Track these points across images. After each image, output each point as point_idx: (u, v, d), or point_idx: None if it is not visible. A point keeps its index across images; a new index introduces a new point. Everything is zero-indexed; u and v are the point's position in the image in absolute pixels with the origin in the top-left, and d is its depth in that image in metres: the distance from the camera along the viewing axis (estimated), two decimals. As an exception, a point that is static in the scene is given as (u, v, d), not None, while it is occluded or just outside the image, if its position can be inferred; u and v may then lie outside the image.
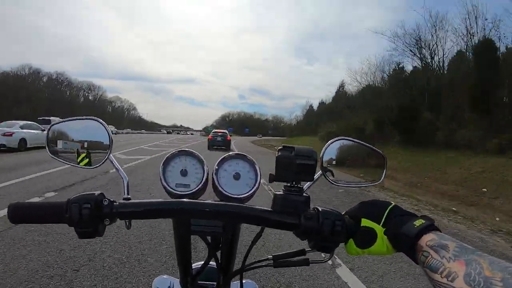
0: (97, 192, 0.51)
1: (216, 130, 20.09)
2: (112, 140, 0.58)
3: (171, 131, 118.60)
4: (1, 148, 10.63)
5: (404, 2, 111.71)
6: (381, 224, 0.48)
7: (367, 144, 0.59)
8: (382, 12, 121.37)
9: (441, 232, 0.43)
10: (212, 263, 0.64)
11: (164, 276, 0.70)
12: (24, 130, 11.68)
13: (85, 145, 0.59)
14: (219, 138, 18.33)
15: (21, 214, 0.50)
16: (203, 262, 0.66)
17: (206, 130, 72.98)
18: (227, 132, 19.85)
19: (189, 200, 0.53)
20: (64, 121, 0.60)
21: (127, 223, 0.55)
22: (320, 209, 0.50)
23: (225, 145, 18.21)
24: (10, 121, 12.13)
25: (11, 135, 10.93)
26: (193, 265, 0.67)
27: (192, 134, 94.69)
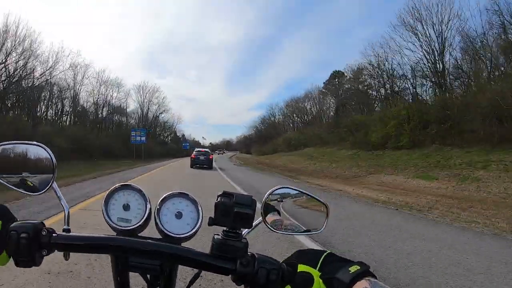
0: (36, 221, 0.51)
1: (199, 149, 20.45)
2: (56, 167, 0.57)
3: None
4: None
5: (255, 18, 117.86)
6: (317, 268, 0.49)
7: (309, 193, 0.62)
8: (234, 27, 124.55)
9: (376, 278, 0.45)
10: None
11: None
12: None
13: (29, 170, 0.58)
14: (202, 157, 18.57)
15: None
16: None
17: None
18: (209, 151, 20.28)
19: (126, 237, 0.53)
20: (8, 144, 0.59)
21: (65, 254, 0.54)
22: (256, 255, 0.51)
23: (207, 163, 18.45)
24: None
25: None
26: None
27: None
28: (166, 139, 55.10)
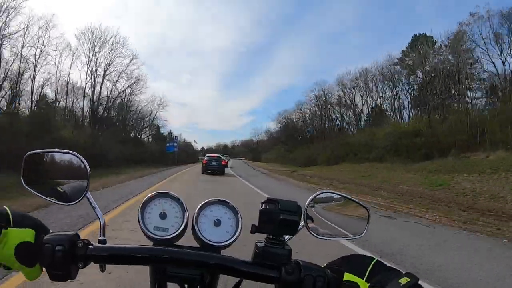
0: (71, 232, 0.50)
1: (210, 155, 20.23)
2: (89, 176, 0.56)
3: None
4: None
5: (249, 24, 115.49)
6: (364, 279, 0.48)
7: (351, 197, 0.60)
8: (227, 32, 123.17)
9: None
10: None
11: None
12: None
13: (61, 179, 0.58)
14: (214, 163, 18.37)
15: None
16: None
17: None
18: (221, 156, 20.09)
19: (165, 248, 0.52)
20: (42, 152, 0.58)
21: (102, 266, 0.53)
22: (301, 262, 0.50)
23: (219, 169, 18.27)
24: None
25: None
26: None
27: None
28: (140, 134, 33.62)
